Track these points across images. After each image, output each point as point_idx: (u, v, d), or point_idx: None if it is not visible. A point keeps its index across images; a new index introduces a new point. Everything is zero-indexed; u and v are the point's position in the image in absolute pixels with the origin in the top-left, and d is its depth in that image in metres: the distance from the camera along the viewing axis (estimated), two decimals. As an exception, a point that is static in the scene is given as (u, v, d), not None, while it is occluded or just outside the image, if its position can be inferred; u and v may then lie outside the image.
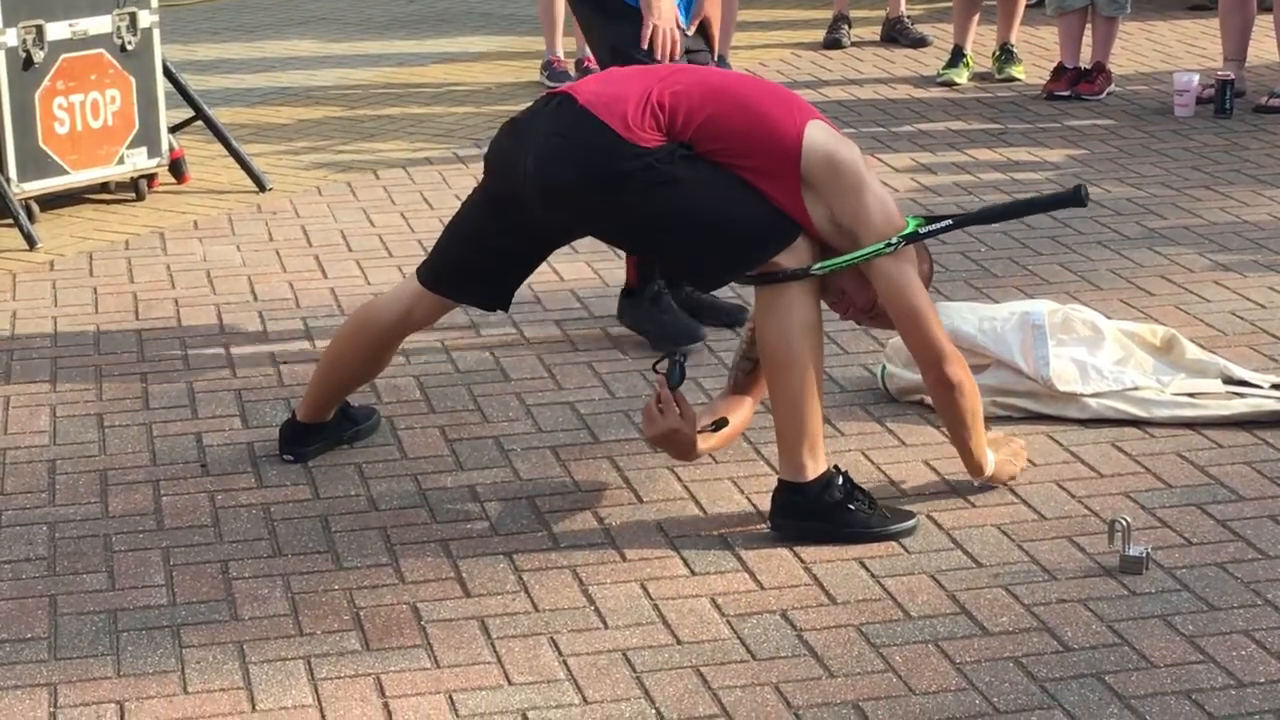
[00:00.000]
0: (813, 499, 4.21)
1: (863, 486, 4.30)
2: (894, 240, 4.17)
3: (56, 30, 6.72)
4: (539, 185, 4.20)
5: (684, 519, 4.37)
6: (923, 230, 4.23)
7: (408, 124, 8.30)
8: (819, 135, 4.19)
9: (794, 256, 4.15)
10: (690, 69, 4.40)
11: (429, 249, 4.61)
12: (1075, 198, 4.31)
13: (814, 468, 4.21)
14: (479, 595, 4.03)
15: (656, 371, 4.29)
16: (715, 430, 4.39)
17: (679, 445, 4.33)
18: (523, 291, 5.25)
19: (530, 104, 4.44)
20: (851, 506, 4.23)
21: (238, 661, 3.76)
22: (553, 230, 4.42)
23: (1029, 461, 4.59)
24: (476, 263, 4.45)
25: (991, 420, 4.87)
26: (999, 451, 4.44)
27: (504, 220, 4.36)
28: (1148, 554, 4.09)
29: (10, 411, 5.07)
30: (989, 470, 4.39)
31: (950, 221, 4.32)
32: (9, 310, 5.91)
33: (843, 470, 4.28)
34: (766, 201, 4.16)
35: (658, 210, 4.16)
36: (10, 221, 6.57)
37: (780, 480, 4.25)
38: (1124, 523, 4.11)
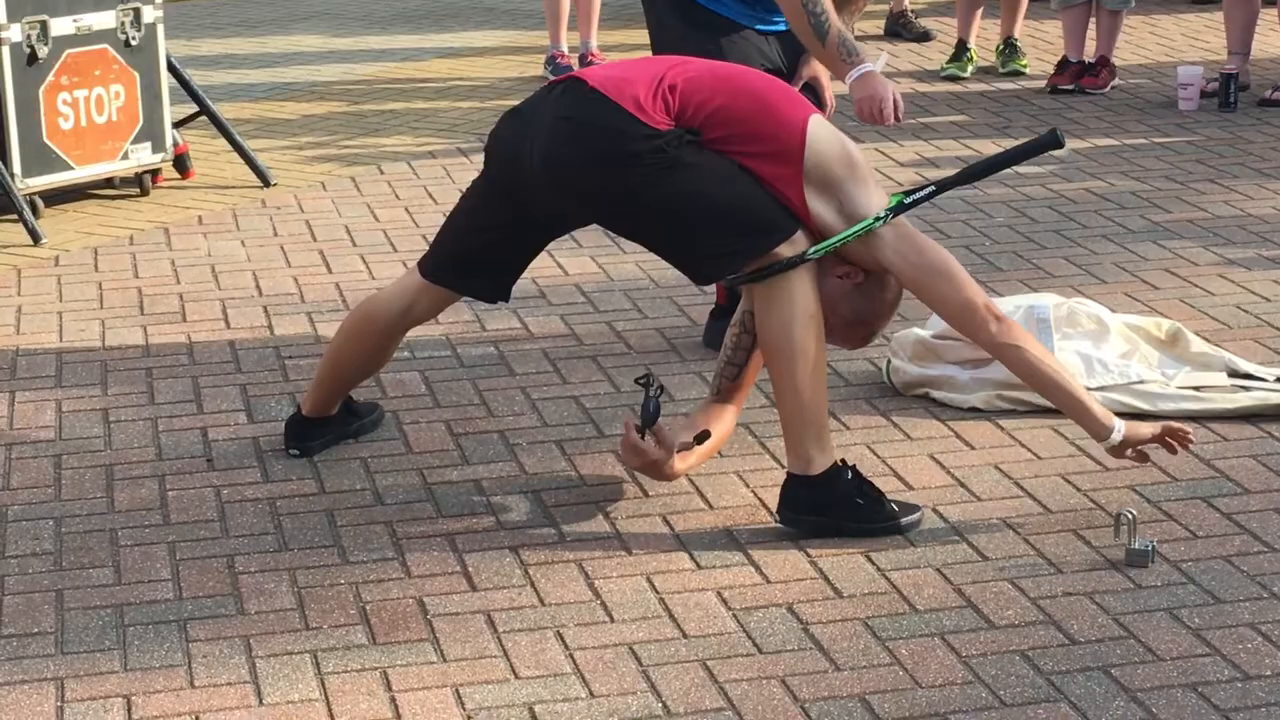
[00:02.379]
0: (821, 492, 4.21)
1: (870, 480, 4.30)
2: (882, 214, 4.17)
3: (60, 26, 6.72)
4: (546, 170, 4.20)
5: (690, 513, 4.37)
6: (908, 200, 4.22)
7: (411, 119, 8.30)
8: (824, 129, 4.21)
9: (792, 248, 4.15)
10: (697, 59, 4.39)
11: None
12: (1052, 140, 4.30)
13: (821, 460, 4.21)
14: (485, 589, 4.03)
15: (638, 384, 4.29)
16: (698, 444, 4.38)
17: (658, 472, 4.35)
18: (527, 285, 5.27)
19: (531, 95, 4.44)
20: (860, 500, 4.22)
21: (244, 656, 3.76)
22: (554, 219, 4.41)
23: (1034, 454, 4.58)
24: (477, 253, 4.45)
25: (997, 415, 4.88)
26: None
27: (505, 210, 4.35)
28: (1153, 547, 4.09)
29: (16, 407, 5.08)
30: (1117, 427, 4.22)
31: (933, 187, 4.31)
32: (14, 306, 5.91)
33: (850, 464, 4.28)
34: (769, 193, 4.17)
35: (664, 194, 4.15)
36: (15, 217, 6.57)
37: (788, 473, 4.25)
38: (1129, 516, 4.11)
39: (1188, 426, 4.36)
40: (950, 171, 7.09)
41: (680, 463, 4.37)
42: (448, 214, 4.58)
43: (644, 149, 4.12)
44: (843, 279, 4.23)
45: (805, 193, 4.16)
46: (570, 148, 4.17)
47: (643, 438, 4.26)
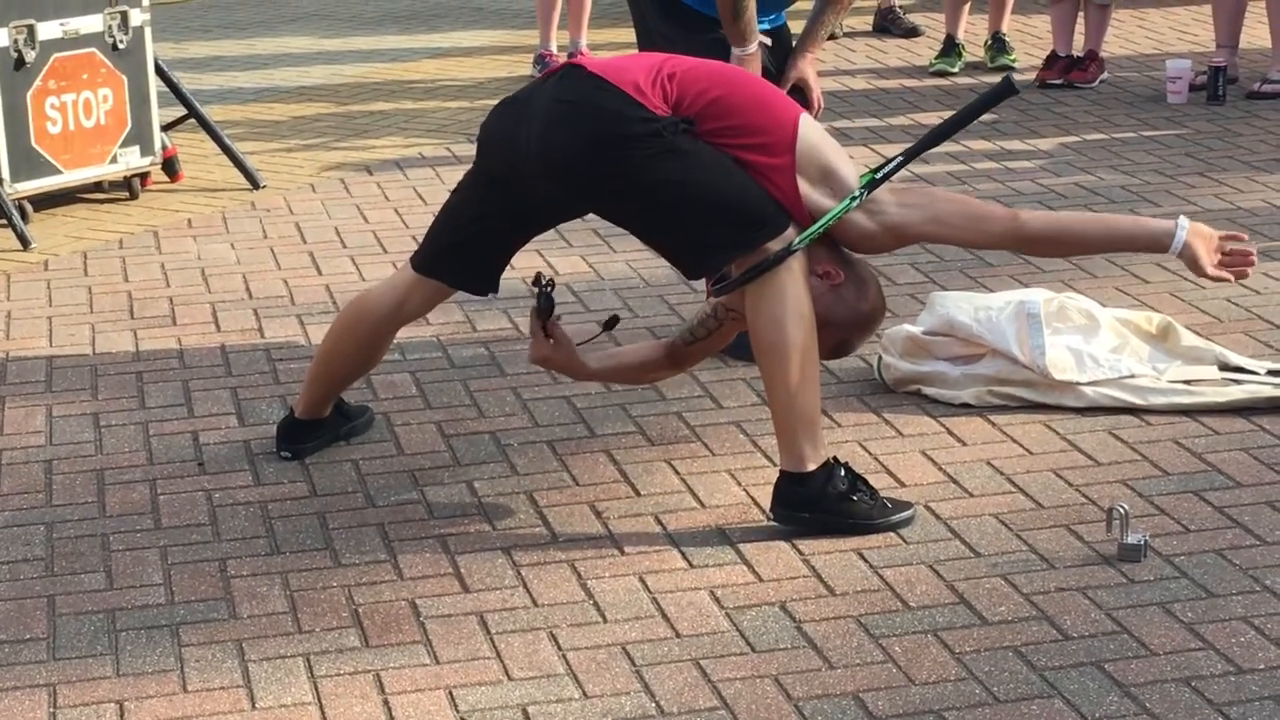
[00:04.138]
0: (816, 490, 4.20)
1: (864, 477, 4.29)
2: (857, 193, 4.17)
3: (48, 30, 6.71)
4: (542, 152, 4.19)
5: (682, 512, 4.37)
6: (879, 175, 4.22)
7: (400, 120, 8.29)
8: (812, 123, 4.26)
9: (781, 244, 4.15)
10: (689, 56, 4.40)
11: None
12: (1007, 88, 4.30)
13: (814, 457, 4.20)
14: (477, 591, 4.02)
15: (526, 283, 4.43)
16: (606, 329, 4.54)
17: (559, 366, 4.52)
18: (518, 285, 5.26)
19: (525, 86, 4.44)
20: (855, 498, 4.22)
21: (237, 660, 3.76)
22: (546, 207, 4.39)
23: (1026, 450, 4.59)
24: (468, 245, 4.44)
25: (989, 411, 4.88)
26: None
27: (497, 199, 4.35)
28: (1146, 542, 4.09)
29: (6, 412, 5.07)
30: (1180, 221, 4.22)
31: (901, 157, 4.29)
32: (3, 311, 5.90)
33: (843, 462, 4.27)
34: (762, 188, 4.17)
35: (657, 180, 4.15)
36: (4, 222, 6.56)
37: (782, 471, 4.24)
38: (1122, 511, 4.11)
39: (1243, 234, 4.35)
40: (940, 167, 7.13)
41: (588, 362, 4.50)
42: (440, 209, 4.57)
43: (640, 132, 4.12)
44: (823, 278, 4.23)
45: (799, 183, 4.16)
46: (566, 129, 4.17)
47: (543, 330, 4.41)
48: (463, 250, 4.46)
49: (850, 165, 4.25)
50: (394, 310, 4.56)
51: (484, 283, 4.52)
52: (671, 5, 5.27)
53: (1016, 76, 8.66)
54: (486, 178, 4.38)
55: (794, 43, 5.44)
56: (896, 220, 4.21)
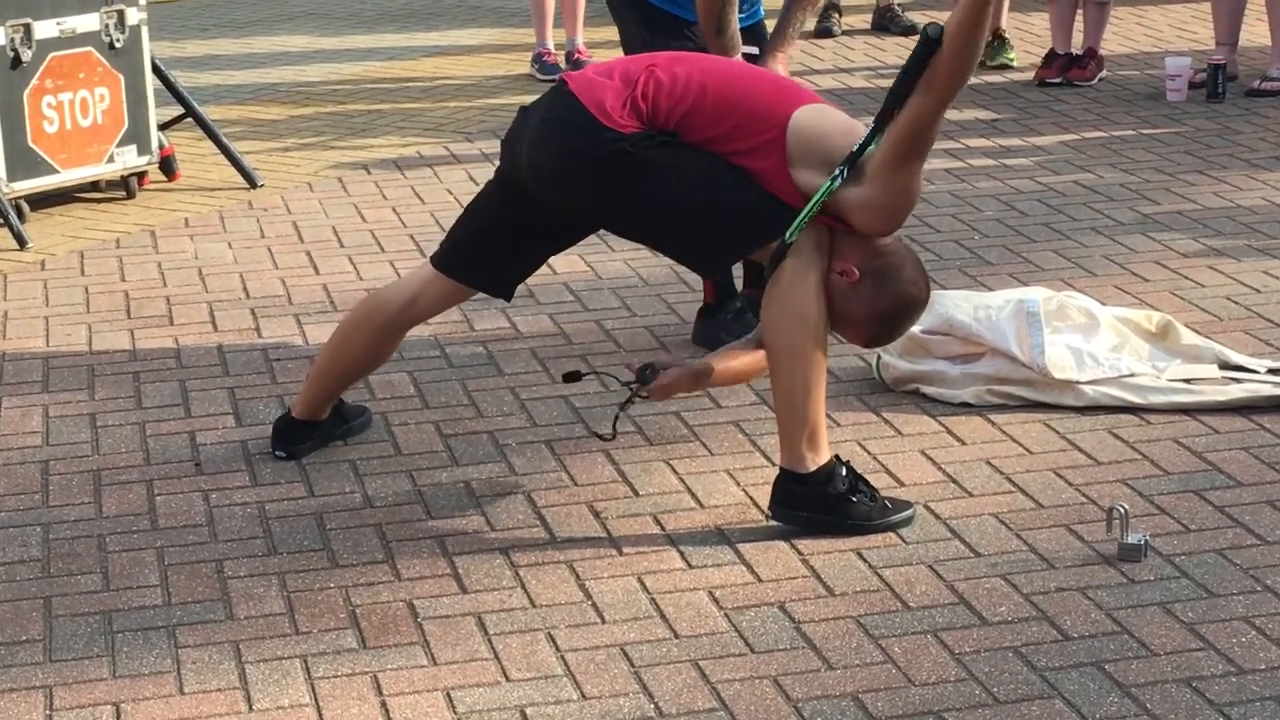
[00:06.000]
0: (817, 490, 4.19)
1: (865, 478, 4.28)
2: (838, 170, 4.07)
3: (44, 29, 6.70)
4: (529, 170, 4.25)
5: (680, 512, 4.36)
6: (857, 149, 4.10)
7: (398, 119, 8.28)
8: (810, 114, 4.15)
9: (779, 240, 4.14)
10: (689, 58, 4.37)
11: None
12: (924, 39, 4.01)
13: (814, 459, 4.19)
14: (475, 591, 4.01)
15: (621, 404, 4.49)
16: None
17: (698, 383, 4.54)
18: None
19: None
20: (854, 499, 4.20)
21: (234, 661, 3.75)
22: (555, 219, 4.39)
23: (1025, 449, 4.58)
24: (488, 247, 4.46)
25: (988, 410, 4.87)
26: None
27: (511, 205, 4.38)
28: (1146, 541, 4.08)
29: (2, 413, 5.05)
30: None
31: (875, 123, 4.12)
32: (0, 311, 5.89)
33: (845, 461, 4.26)
34: (758, 186, 4.14)
35: (639, 194, 4.15)
36: (0, 222, 6.55)
37: (781, 469, 4.23)
38: (1122, 510, 4.09)
39: None
40: (939, 164, 7.12)
41: (700, 379, 4.49)
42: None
43: (608, 153, 4.13)
44: (841, 276, 4.19)
45: (799, 175, 4.09)
46: (544, 150, 4.22)
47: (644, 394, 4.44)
48: (479, 249, 4.47)
49: (852, 139, 4.11)
50: (406, 306, 4.55)
51: (499, 283, 4.53)
52: (648, 9, 5.30)
53: (1015, 75, 8.67)
54: (504, 181, 4.43)
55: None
56: (879, 156, 4.05)
